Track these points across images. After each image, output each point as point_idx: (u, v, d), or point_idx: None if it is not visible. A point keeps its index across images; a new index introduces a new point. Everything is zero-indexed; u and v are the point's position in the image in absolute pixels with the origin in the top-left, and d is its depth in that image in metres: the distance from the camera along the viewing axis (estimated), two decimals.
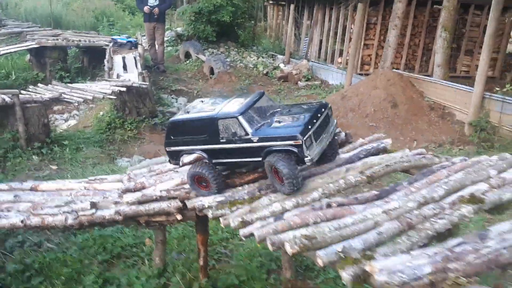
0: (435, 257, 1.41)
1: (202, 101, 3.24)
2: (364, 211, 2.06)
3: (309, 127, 2.62)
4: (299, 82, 12.76)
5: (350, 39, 13.26)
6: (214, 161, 2.91)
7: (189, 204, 3.03)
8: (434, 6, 12.11)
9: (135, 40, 11.57)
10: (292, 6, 15.91)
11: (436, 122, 8.52)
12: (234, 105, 2.86)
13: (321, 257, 1.74)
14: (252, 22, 16.45)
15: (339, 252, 1.70)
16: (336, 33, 14.41)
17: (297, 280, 4.31)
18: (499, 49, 14.72)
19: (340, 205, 2.22)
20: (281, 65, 13.84)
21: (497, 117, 7.85)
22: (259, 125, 2.75)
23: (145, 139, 8.36)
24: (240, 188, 2.98)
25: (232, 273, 4.35)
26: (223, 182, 2.99)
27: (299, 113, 2.80)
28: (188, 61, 13.40)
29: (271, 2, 18.80)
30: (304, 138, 2.53)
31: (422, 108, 8.81)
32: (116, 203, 3.37)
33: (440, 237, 1.65)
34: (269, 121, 2.79)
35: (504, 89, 7.76)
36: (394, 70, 10.68)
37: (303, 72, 12.96)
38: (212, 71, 12.33)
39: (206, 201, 2.87)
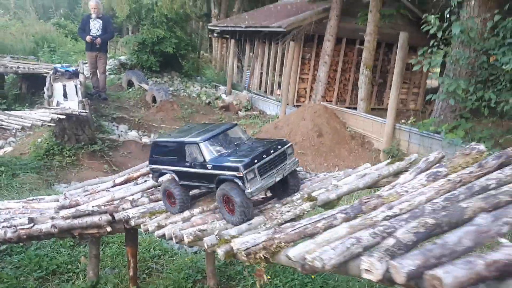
0: (269, 231, 2.27)
1: (188, 127, 3.63)
2: None
3: (255, 161, 2.75)
4: (239, 112, 13.77)
5: (287, 73, 14.61)
6: (181, 182, 3.19)
7: (117, 216, 3.69)
8: (358, 46, 13.81)
9: (75, 69, 11.95)
10: (233, 41, 17.16)
11: (356, 149, 9.79)
12: (204, 132, 3.12)
13: (206, 241, 2.53)
14: (196, 53, 17.42)
15: (216, 236, 2.49)
16: (274, 67, 15.77)
17: (220, 287, 5.00)
18: (420, 84, 16.89)
19: None
20: (223, 96, 14.83)
21: (406, 145, 9.25)
22: (218, 154, 2.97)
23: (84, 165, 8.75)
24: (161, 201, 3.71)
25: (161, 283, 4.95)
26: (188, 202, 3.30)
27: (257, 147, 2.98)
28: (130, 90, 13.96)
29: (215, 35, 20.02)
30: (245, 171, 2.68)
31: (345, 137, 10.08)
32: (52, 218, 3.93)
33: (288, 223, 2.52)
34: (230, 151, 2.99)
35: (408, 121, 9.20)
36: (324, 103, 12.02)
37: (243, 103, 14.02)
38: (154, 100, 12.98)
39: (130, 212, 3.56)
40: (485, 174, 2.10)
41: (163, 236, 3.07)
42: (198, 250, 5.80)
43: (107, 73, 13.07)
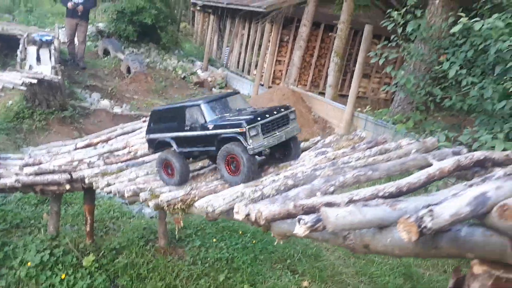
0: (188, 188, 2.95)
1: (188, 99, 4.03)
2: None
3: (258, 119, 2.87)
4: (213, 88, 14.30)
5: (265, 53, 15.14)
6: (179, 149, 3.26)
7: (74, 175, 4.30)
8: (331, 34, 14.39)
9: (51, 39, 11.99)
10: (213, 17, 17.48)
11: (317, 133, 10.53)
12: (205, 98, 3.28)
13: (141, 196, 3.19)
14: (175, 26, 17.69)
15: (149, 192, 3.16)
16: (253, 46, 16.24)
17: (169, 247, 5.71)
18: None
19: None
20: (199, 71, 15.29)
21: (363, 133, 10.03)
22: (219, 116, 3.09)
23: (53, 130, 9.23)
24: (115, 165, 4.33)
25: (115, 240, 5.63)
26: (188, 173, 3.35)
27: (259, 110, 3.12)
28: (106, 58, 14.27)
29: (198, 8, 20.23)
30: (248, 127, 2.79)
31: (308, 121, 10.81)
32: (17, 174, 4.51)
33: None
34: (232, 115, 3.11)
35: (364, 110, 9.96)
36: (292, 87, 12.65)
37: (218, 80, 14.54)
38: (129, 70, 13.37)
39: (86, 172, 4.18)
40: (352, 154, 2.82)
41: (110, 192, 3.72)
42: (154, 215, 6.48)
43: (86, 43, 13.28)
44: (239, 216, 2.18)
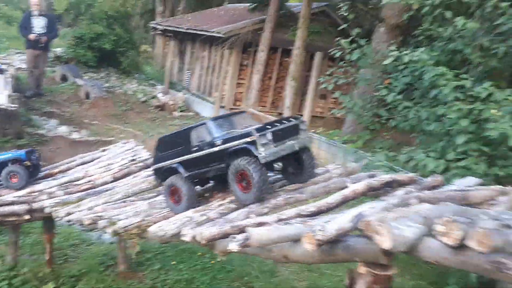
0: (143, 215, 3.30)
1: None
2: None
3: (268, 127, 2.86)
4: (174, 112, 14.61)
5: (225, 77, 15.68)
6: (187, 173, 3.25)
7: (34, 205, 4.51)
8: (286, 59, 15.14)
9: (5, 68, 11.78)
10: (173, 42, 17.93)
11: None
12: (212, 118, 3.33)
13: (100, 224, 3.49)
14: (136, 51, 17.97)
15: (107, 220, 3.48)
16: (214, 70, 16.77)
17: (129, 271, 5.93)
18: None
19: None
20: (159, 95, 15.57)
21: (317, 152, 10.64)
22: (227, 132, 3.08)
23: None
24: (75, 194, 4.58)
25: (75, 268, 5.79)
26: (195, 199, 3.31)
27: (268, 122, 3.12)
28: (64, 84, 14.29)
29: (159, 32, 20.62)
30: (259, 134, 2.76)
31: None
32: None
33: None
34: (239, 130, 3.08)
35: (317, 131, 10.62)
36: (251, 109, 13.21)
37: (179, 104, 14.88)
38: (88, 96, 13.46)
39: (46, 202, 4.41)
40: None
41: (70, 221, 3.98)
42: (113, 241, 6.66)
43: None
44: (186, 238, 2.57)
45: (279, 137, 2.89)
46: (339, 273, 6.25)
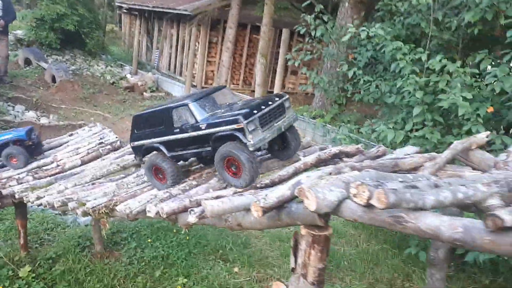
0: (110, 195, 3.48)
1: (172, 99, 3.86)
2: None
3: (255, 112, 2.73)
4: (144, 93, 14.53)
5: (195, 55, 15.60)
6: (170, 153, 3.15)
7: (4, 192, 4.60)
8: (255, 36, 15.20)
9: None
10: (138, 21, 17.58)
11: None
12: (191, 95, 3.19)
13: (70, 205, 3.65)
14: (101, 31, 17.55)
15: (76, 201, 3.64)
16: (183, 48, 16.63)
17: (106, 251, 6.11)
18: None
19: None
20: (128, 76, 15.41)
21: None
22: (210, 114, 2.96)
23: None
24: (44, 179, 4.68)
25: (51, 250, 5.92)
26: (180, 175, 3.23)
27: (253, 102, 3.04)
28: (28, 68, 13.94)
29: (124, 11, 20.12)
30: (246, 122, 2.66)
31: None
32: None
33: None
34: (223, 111, 3.00)
35: None
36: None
37: (148, 84, 14.79)
38: (54, 79, 13.21)
39: (16, 188, 4.51)
40: None
41: (41, 205, 4.11)
42: (89, 223, 6.81)
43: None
44: (150, 214, 2.77)
45: (266, 120, 2.82)
46: None
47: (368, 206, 1.51)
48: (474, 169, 2.36)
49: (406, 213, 1.42)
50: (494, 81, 4.59)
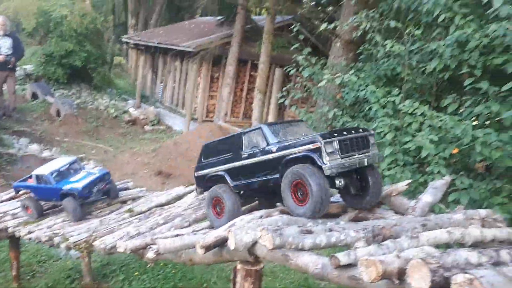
0: (91, 231, 3.94)
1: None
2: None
3: (334, 135, 2.61)
4: (145, 126, 15.21)
5: (197, 89, 16.36)
6: (234, 183, 3.06)
7: None
8: (252, 73, 15.94)
9: None
10: (143, 57, 18.54)
11: None
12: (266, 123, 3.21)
13: (55, 240, 4.11)
14: (107, 66, 18.52)
15: (60, 236, 4.11)
16: (186, 83, 17.44)
17: (95, 283, 6.51)
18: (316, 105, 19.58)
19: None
20: (131, 109, 16.16)
21: None
22: (283, 139, 2.88)
23: None
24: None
25: (42, 282, 6.35)
26: (238, 210, 3.08)
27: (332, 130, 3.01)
28: (34, 102, 14.77)
29: (131, 46, 21.21)
30: (324, 141, 2.52)
31: None
32: None
33: None
34: (296, 139, 2.84)
35: None
36: (221, 122, 13.92)
37: (150, 118, 15.49)
38: (59, 113, 13.97)
39: (10, 222, 5.00)
40: None
41: (31, 239, 4.58)
42: (79, 256, 7.23)
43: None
44: (120, 249, 3.23)
45: (346, 148, 2.63)
46: (291, 275, 6.95)
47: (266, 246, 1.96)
48: (396, 212, 2.80)
49: (291, 252, 1.85)
50: (451, 127, 5.02)
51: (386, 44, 6.61)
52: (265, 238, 1.94)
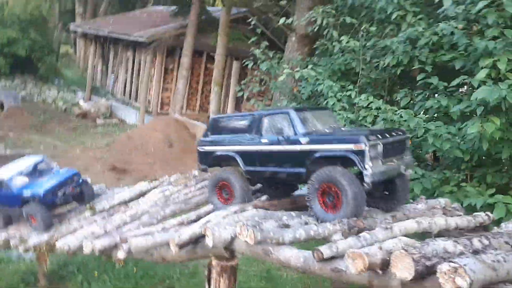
0: (51, 233, 3.78)
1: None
2: None
3: (379, 136, 2.34)
4: (97, 119, 14.65)
5: (151, 81, 15.94)
6: (246, 168, 2.74)
7: None
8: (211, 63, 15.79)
9: None
10: (93, 48, 17.79)
11: None
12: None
13: (12, 243, 3.90)
14: (54, 55, 17.59)
15: (19, 238, 3.90)
16: (139, 74, 16.94)
17: (51, 286, 6.23)
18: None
19: None
20: (81, 102, 15.48)
21: None
22: (313, 130, 2.55)
23: None
24: None
25: None
26: (249, 196, 2.81)
27: (369, 129, 2.65)
28: None
29: (79, 35, 20.24)
30: (370, 144, 2.23)
31: (192, 147, 11.91)
32: None
33: None
34: (329, 132, 2.59)
35: None
36: (177, 115, 13.70)
37: (102, 110, 14.94)
38: (2, 106, 13.11)
39: None
40: (182, 191, 3.94)
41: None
42: (33, 259, 6.89)
43: None
44: (86, 250, 3.13)
45: (387, 152, 2.35)
46: (254, 267, 7.04)
47: (247, 242, 1.99)
48: None
49: (272, 247, 1.90)
50: (404, 120, 5.29)
51: (342, 40, 6.82)
52: (245, 234, 1.97)
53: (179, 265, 7.01)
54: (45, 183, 4.25)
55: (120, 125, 14.85)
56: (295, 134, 2.51)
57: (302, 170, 2.46)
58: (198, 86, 16.91)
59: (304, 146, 2.46)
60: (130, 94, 17.41)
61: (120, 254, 2.65)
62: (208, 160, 3.11)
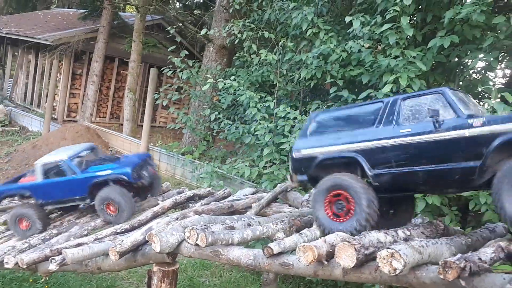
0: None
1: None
2: None
3: None
4: None
5: (56, 86, 14.83)
6: (374, 171, 2.09)
7: None
8: (122, 71, 15.31)
9: None
10: None
11: None
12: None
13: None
14: None
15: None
16: (42, 79, 15.67)
17: None
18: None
19: None
20: None
21: (158, 164, 11.22)
22: (473, 114, 2.01)
23: None
24: None
25: None
26: (375, 212, 2.15)
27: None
28: None
29: None
30: None
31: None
32: None
33: None
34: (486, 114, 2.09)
35: (157, 144, 11.23)
36: (88, 123, 13.00)
37: (0, 117, 13.53)
38: None
39: None
40: None
41: None
42: None
43: None
44: (8, 265, 2.90)
45: None
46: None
47: (197, 245, 2.08)
48: (290, 205, 3.16)
49: (222, 248, 2.02)
50: None
51: (261, 53, 7.15)
52: (194, 238, 2.05)
53: (96, 279, 6.68)
54: (124, 164, 3.54)
55: (22, 133, 13.58)
56: (458, 116, 1.97)
57: (475, 164, 1.89)
58: (109, 93, 16.20)
59: (477, 130, 1.90)
60: (32, 100, 16.03)
61: (52, 267, 2.53)
62: (309, 168, 2.31)
